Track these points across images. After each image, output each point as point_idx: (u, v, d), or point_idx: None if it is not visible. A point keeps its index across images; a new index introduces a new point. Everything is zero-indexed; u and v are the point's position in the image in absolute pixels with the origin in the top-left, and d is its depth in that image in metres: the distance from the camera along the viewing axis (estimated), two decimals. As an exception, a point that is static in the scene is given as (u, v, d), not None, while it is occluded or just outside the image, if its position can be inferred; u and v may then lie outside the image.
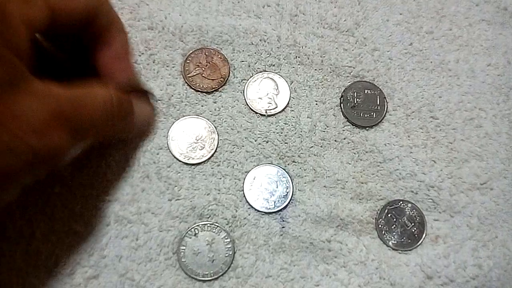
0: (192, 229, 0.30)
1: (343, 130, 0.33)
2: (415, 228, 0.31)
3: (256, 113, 0.33)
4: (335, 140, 0.33)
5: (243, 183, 0.31)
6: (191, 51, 0.34)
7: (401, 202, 0.32)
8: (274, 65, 0.34)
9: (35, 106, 0.19)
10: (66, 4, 0.23)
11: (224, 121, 0.33)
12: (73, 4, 0.23)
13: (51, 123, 0.20)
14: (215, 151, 0.32)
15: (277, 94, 0.33)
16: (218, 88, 0.33)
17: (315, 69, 0.34)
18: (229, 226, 0.30)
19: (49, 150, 0.20)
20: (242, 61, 0.34)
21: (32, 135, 0.19)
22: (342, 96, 0.34)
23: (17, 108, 0.19)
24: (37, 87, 0.19)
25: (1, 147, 0.18)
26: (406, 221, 0.31)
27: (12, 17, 0.19)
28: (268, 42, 0.35)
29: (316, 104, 0.34)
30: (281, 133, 0.33)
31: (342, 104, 0.34)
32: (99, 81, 0.26)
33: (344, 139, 0.33)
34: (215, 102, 0.33)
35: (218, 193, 0.31)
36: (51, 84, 0.21)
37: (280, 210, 0.31)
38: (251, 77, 0.34)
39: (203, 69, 0.34)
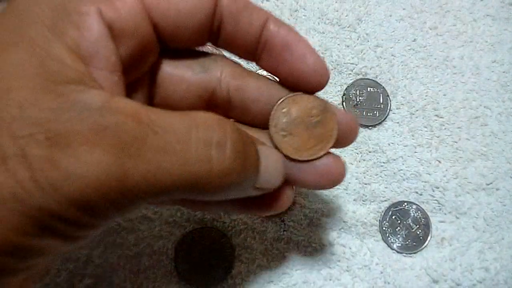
0: (190, 234, 0.29)
1: (346, 130, 0.32)
2: (420, 230, 0.30)
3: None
4: (337, 140, 0.32)
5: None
6: (187, 48, 0.33)
7: (405, 204, 0.31)
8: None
9: (74, 115, 0.15)
10: (169, 2, 0.18)
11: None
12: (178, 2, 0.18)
13: (89, 138, 0.14)
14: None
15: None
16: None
17: (316, 66, 0.33)
18: (228, 231, 0.29)
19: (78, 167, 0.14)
20: (241, 59, 0.33)
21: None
22: (344, 94, 0.33)
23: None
24: (87, 96, 0.15)
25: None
26: (411, 223, 0.30)
27: (82, 14, 0.16)
28: (267, 38, 0.34)
29: (318, 103, 0.33)
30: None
31: (344, 103, 0.32)
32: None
33: (347, 138, 0.32)
34: (212, 101, 0.32)
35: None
36: (124, 99, 0.16)
37: (281, 213, 0.30)
38: (250, 74, 0.33)
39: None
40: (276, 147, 0.21)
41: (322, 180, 0.21)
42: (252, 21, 0.20)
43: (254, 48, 0.21)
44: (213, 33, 0.20)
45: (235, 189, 0.18)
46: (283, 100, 0.21)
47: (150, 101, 0.21)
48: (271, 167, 0.19)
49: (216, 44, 0.21)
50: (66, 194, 0.14)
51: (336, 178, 0.21)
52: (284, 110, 0.21)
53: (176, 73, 0.21)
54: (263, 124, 0.22)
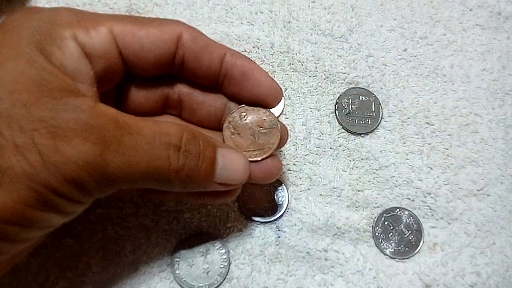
0: (186, 241, 0.30)
1: (338, 137, 0.33)
2: (412, 236, 0.31)
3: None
4: (331, 148, 0.32)
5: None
6: (183, 59, 0.34)
7: (397, 210, 0.31)
8: (267, 72, 0.34)
9: (68, 116, 0.19)
10: (134, 35, 0.22)
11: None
12: (143, 36, 0.22)
13: (81, 133, 0.18)
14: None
15: (271, 102, 0.33)
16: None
17: (309, 76, 0.34)
18: (224, 237, 0.30)
19: (70, 160, 0.18)
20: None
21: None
22: (336, 103, 0.33)
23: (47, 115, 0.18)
24: (76, 101, 0.19)
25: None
26: (403, 229, 0.31)
27: (63, 39, 0.20)
28: (261, 49, 0.35)
29: (311, 111, 0.33)
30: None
31: (337, 111, 0.33)
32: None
33: (340, 146, 0.33)
34: (208, 111, 0.33)
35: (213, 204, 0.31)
36: (104, 105, 0.20)
37: (276, 220, 0.31)
38: (244, 84, 0.34)
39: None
40: (223, 139, 0.25)
41: (263, 175, 0.25)
42: (212, 58, 0.23)
43: (216, 79, 0.24)
44: (175, 67, 0.24)
45: (192, 181, 0.22)
46: (244, 106, 0.25)
47: (119, 107, 0.25)
48: (229, 166, 0.23)
49: (180, 75, 0.25)
50: (65, 173, 0.18)
51: (274, 173, 0.26)
52: (242, 114, 0.25)
53: (136, 84, 0.25)
54: (208, 124, 0.26)
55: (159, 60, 0.23)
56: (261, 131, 0.25)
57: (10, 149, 0.18)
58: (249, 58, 0.25)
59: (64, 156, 0.18)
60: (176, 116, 0.27)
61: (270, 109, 0.26)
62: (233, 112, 0.25)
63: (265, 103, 0.25)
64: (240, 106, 0.25)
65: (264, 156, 0.25)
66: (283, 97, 0.33)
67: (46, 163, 0.18)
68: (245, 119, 0.25)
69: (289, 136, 0.27)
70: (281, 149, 0.32)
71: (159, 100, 0.26)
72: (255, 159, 0.25)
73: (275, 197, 0.31)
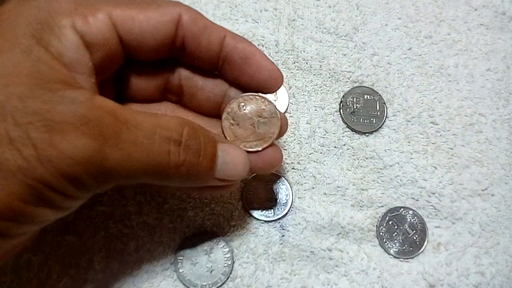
0: (190, 239, 0.29)
1: (343, 136, 0.33)
2: (416, 236, 0.30)
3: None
4: (335, 146, 0.32)
5: (242, 192, 0.31)
6: (187, 56, 0.34)
7: (402, 209, 0.31)
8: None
9: (65, 109, 0.18)
10: (134, 19, 0.21)
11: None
12: (143, 20, 0.21)
13: (78, 127, 0.18)
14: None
15: (275, 100, 0.33)
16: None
17: (314, 74, 0.34)
18: (228, 235, 0.30)
19: (66, 155, 0.18)
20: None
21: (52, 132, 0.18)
22: (341, 102, 0.33)
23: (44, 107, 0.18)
24: (73, 93, 0.18)
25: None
26: (408, 229, 0.31)
27: (61, 27, 0.19)
28: (266, 47, 0.34)
29: (315, 110, 0.33)
30: (280, 139, 0.32)
31: (341, 110, 0.33)
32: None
33: (344, 145, 0.32)
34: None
35: (217, 202, 0.30)
36: (102, 98, 0.19)
37: (280, 218, 0.30)
38: (249, 82, 0.33)
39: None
40: (222, 130, 0.25)
41: (264, 165, 0.25)
42: (212, 40, 0.23)
43: (216, 62, 0.24)
44: (176, 49, 0.23)
45: (191, 177, 0.22)
46: (243, 96, 0.25)
47: (119, 93, 0.25)
48: (230, 162, 0.23)
49: (180, 58, 0.24)
50: (60, 169, 0.18)
51: (275, 163, 0.25)
52: (241, 104, 0.25)
53: (137, 69, 0.24)
54: (208, 110, 0.26)
55: (160, 43, 0.22)
56: (261, 120, 0.25)
57: (5, 143, 0.17)
58: (250, 42, 0.24)
59: (60, 151, 0.17)
60: (176, 103, 0.26)
61: (270, 99, 0.25)
62: (231, 103, 0.25)
63: (265, 88, 0.24)
64: (238, 96, 0.25)
65: (265, 146, 0.25)
66: (284, 87, 0.33)
67: (41, 158, 0.17)
68: (244, 109, 0.25)
69: (288, 125, 0.27)
70: (285, 147, 0.32)
71: (159, 85, 0.25)
72: (255, 149, 0.25)
73: (279, 196, 0.31)
